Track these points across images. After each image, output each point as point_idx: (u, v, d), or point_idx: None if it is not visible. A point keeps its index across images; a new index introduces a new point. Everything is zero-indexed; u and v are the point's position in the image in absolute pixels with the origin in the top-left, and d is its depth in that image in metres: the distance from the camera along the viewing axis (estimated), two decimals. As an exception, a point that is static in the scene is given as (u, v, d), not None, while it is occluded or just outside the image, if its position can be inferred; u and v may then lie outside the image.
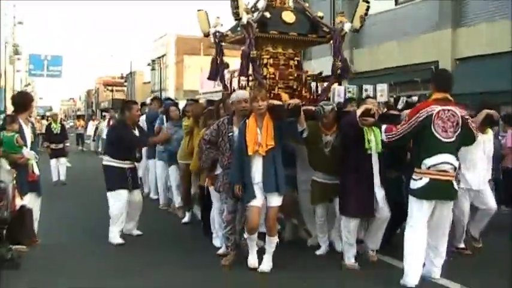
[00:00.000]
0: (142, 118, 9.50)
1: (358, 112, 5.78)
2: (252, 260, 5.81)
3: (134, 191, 7.27)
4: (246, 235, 5.84)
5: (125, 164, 7.13)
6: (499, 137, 9.22)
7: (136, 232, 7.45)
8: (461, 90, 11.02)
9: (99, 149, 21.62)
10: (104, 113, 18.62)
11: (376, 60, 16.69)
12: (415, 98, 7.17)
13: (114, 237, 6.98)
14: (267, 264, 5.75)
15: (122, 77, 56.28)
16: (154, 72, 44.03)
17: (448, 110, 5.22)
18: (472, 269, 6.02)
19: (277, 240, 5.84)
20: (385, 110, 6.27)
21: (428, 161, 5.19)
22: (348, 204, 5.95)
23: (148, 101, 13.40)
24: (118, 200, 7.02)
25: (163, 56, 42.35)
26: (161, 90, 40.10)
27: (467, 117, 5.38)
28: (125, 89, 57.27)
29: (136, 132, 7.30)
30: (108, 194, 7.11)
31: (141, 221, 7.56)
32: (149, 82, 46.68)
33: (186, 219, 8.30)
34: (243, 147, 5.65)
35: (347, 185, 5.96)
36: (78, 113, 49.66)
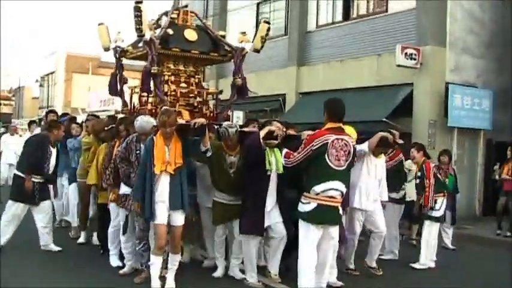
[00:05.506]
0: (37, 130, 8.00)
1: (262, 134, 5.15)
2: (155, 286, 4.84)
3: (44, 202, 6.29)
4: (151, 259, 4.86)
5: (34, 178, 6.12)
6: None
7: (55, 248, 6.33)
8: (303, 120, 11.11)
9: None
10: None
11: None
12: None
13: None
14: (171, 283, 4.87)
15: (10, 91, 51.18)
16: (42, 89, 40.41)
17: (342, 139, 4.72)
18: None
19: (180, 258, 5.01)
20: (285, 129, 5.55)
21: (318, 188, 4.64)
22: (243, 222, 5.24)
23: (42, 113, 11.61)
24: (9, 212, 6.17)
25: (52, 72, 38.86)
26: (48, 106, 36.77)
27: (356, 146, 4.96)
28: (13, 103, 52.05)
29: (54, 151, 6.33)
30: (8, 202, 6.24)
31: (34, 238, 6.35)
32: (38, 98, 42.72)
33: (81, 239, 6.94)
34: (148, 164, 4.79)
35: (246, 204, 5.25)
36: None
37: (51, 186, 6.77)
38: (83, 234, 6.95)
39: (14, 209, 6.17)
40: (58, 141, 6.52)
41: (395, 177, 6.72)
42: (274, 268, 5.40)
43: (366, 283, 5.83)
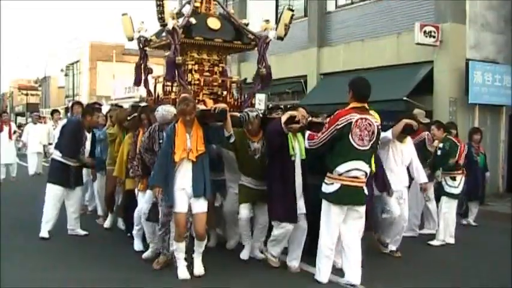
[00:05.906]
0: (63, 123, 8.15)
1: (283, 119, 5.02)
2: (182, 273, 4.86)
3: (76, 188, 6.49)
4: (174, 246, 4.92)
5: (71, 162, 6.32)
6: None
7: (82, 232, 6.53)
8: (325, 101, 11.29)
9: None
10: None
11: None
12: None
13: (42, 232, 6.27)
14: (199, 268, 4.94)
15: (36, 81, 51.69)
16: (68, 78, 40.91)
17: (366, 119, 4.64)
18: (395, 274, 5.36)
19: (206, 242, 5.04)
20: (309, 118, 5.46)
21: (341, 168, 4.60)
22: (275, 210, 5.15)
23: (68, 102, 11.75)
24: (50, 195, 6.31)
25: (77, 62, 39.24)
26: (74, 95, 37.27)
27: (380, 127, 4.86)
28: (40, 93, 52.73)
29: (89, 136, 6.55)
30: (47, 186, 6.36)
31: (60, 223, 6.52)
32: (63, 87, 43.26)
33: (107, 224, 7.06)
34: (169, 152, 4.77)
35: (274, 190, 5.15)
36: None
37: (89, 170, 7.10)
38: (108, 219, 7.06)
39: (56, 190, 6.29)
40: (94, 126, 6.71)
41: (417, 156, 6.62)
42: (293, 261, 5.25)
43: (379, 258, 5.84)
